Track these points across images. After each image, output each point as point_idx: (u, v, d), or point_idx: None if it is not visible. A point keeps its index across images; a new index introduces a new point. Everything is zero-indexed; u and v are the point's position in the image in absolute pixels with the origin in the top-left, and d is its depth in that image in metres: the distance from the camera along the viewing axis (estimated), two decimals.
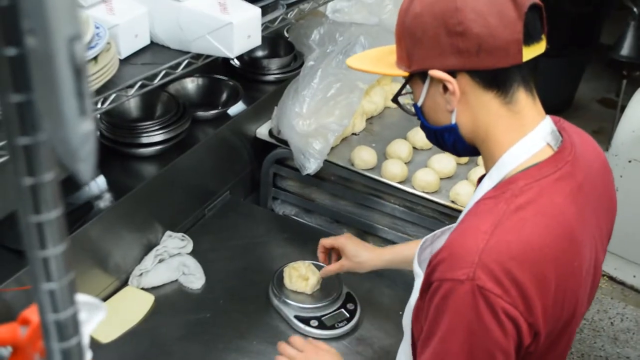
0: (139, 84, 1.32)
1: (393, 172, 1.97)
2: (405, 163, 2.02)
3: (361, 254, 1.61)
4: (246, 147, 2.17)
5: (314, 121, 1.95)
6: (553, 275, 1.00)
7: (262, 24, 1.49)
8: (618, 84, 3.59)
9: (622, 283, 2.83)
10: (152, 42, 1.44)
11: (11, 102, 0.45)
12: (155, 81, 1.36)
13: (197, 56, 1.45)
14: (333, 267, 1.67)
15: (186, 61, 1.42)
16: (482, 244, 0.97)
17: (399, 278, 1.79)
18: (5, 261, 1.44)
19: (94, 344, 1.55)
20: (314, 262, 1.77)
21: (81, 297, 0.66)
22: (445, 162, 1.98)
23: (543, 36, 1.06)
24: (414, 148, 2.10)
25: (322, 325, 1.65)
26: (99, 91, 1.23)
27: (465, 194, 1.86)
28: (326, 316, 1.67)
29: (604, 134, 3.59)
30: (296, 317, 1.67)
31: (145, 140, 1.80)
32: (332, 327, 1.65)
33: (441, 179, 1.96)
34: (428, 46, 1.05)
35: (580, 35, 3.73)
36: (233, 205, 2.11)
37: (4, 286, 1.40)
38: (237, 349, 1.61)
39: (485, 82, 1.05)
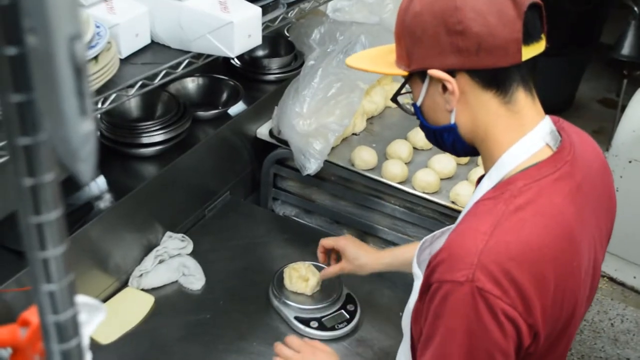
0: (139, 83, 1.32)
1: (393, 172, 1.96)
2: (406, 163, 2.01)
3: (361, 257, 1.61)
4: (246, 147, 2.16)
5: (314, 121, 1.95)
6: (552, 276, 1.00)
7: (263, 23, 1.49)
8: (618, 84, 3.58)
9: (622, 284, 2.82)
10: (152, 42, 1.44)
11: (11, 101, 0.45)
12: (156, 81, 1.36)
13: (198, 56, 1.45)
14: (333, 270, 1.66)
15: (187, 61, 1.42)
16: (482, 245, 0.97)
17: (399, 279, 1.78)
18: (5, 262, 1.44)
19: (94, 345, 1.55)
20: (314, 263, 1.76)
21: (81, 298, 0.65)
22: (445, 162, 1.98)
23: (542, 35, 1.06)
24: (415, 148, 2.09)
25: (322, 327, 1.65)
26: (99, 91, 1.22)
27: (466, 195, 1.85)
28: (326, 317, 1.67)
29: (604, 133, 3.58)
30: (296, 318, 1.66)
31: (145, 140, 1.80)
32: (332, 329, 1.65)
33: (441, 179, 1.96)
34: (428, 45, 1.05)
35: (580, 35, 3.72)
36: (233, 206, 2.11)
37: (4, 287, 1.40)
38: (237, 349, 1.61)
39: (485, 81, 1.05)
